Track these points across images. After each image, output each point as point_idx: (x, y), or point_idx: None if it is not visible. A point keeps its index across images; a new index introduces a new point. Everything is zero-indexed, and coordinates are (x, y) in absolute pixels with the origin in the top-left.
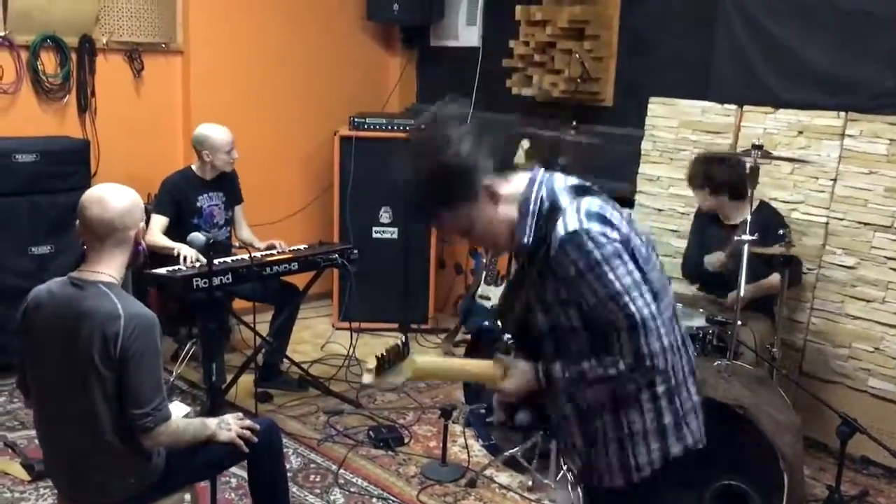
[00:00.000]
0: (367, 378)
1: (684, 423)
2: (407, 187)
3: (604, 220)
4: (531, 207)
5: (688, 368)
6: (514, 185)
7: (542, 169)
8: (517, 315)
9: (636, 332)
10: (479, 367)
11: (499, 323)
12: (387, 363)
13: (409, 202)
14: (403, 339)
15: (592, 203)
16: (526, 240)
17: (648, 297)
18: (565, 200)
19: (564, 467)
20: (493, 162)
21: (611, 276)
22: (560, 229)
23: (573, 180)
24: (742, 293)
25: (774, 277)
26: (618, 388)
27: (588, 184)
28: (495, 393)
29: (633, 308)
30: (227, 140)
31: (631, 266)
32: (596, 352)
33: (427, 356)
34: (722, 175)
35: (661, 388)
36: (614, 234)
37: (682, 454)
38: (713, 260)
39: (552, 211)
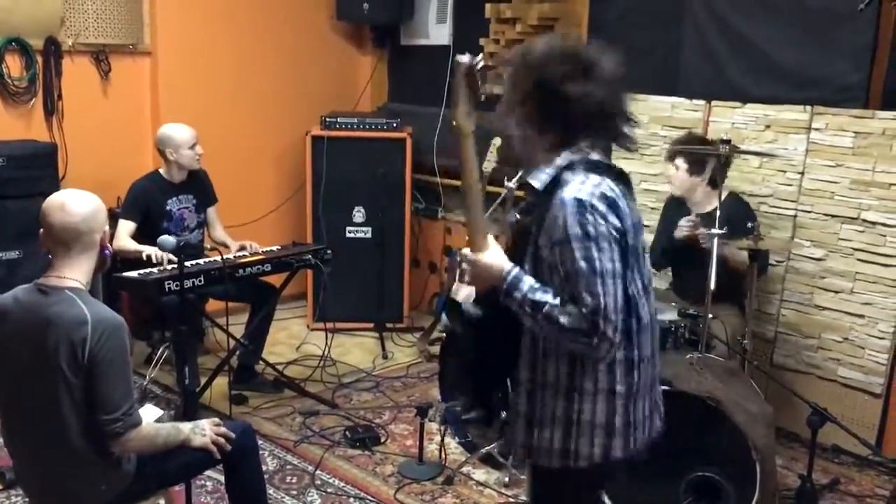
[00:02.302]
0: (466, 58)
1: (632, 431)
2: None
3: (612, 205)
4: (558, 163)
5: (649, 378)
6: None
7: (590, 142)
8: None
9: (597, 314)
10: (482, 219)
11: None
12: (475, 84)
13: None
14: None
15: (612, 186)
16: (539, 184)
17: (619, 290)
18: (588, 172)
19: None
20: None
21: (594, 253)
22: (569, 191)
23: (606, 159)
24: (713, 283)
25: (742, 252)
26: (559, 337)
27: (622, 170)
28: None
29: (601, 292)
30: (190, 135)
31: (616, 255)
32: (563, 296)
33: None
34: (705, 156)
35: (620, 388)
36: (615, 222)
37: (622, 459)
38: (684, 223)
39: (571, 173)
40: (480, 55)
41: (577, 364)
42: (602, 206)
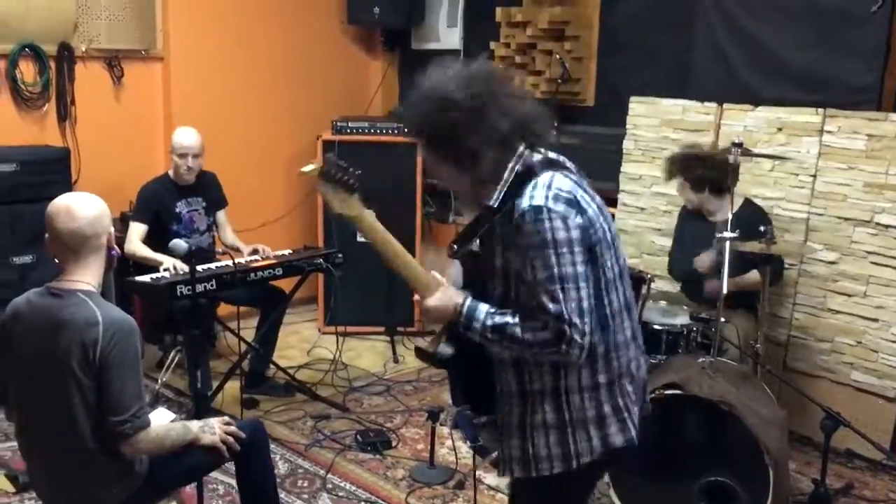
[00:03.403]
0: (309, 168)
1: (627, 413)
2: (415, 112)
3: (570, 203)
4: (504, 176)
5: (633, 362)
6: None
7: (527, 148)
8: (469, 264)
9: (560, 321)
10: (418, 270)
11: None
12: (334, 179)
13: (407, 120)
14: (349, 169)
15: (564, 183)
16: (492, 203)
17: (584, 293)
18: (538, 173)
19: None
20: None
21: (553, 260)
22: (525, 200)
23: (552, 155)
24: (724, 289)
25: (753, 274)
26: (528, 353)
27: (564, 160)
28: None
29: (561, 298)
30: (185, 144)
31: (579, 258)
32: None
33: (376, 223)
34: (702, 171)
35: (602, 379)
36: (577, 220)
37: (623, 446)
38: (703, 262)
39: (523, 181)
40: (319, 158)
41: (560, 367)
42: (560, 207)
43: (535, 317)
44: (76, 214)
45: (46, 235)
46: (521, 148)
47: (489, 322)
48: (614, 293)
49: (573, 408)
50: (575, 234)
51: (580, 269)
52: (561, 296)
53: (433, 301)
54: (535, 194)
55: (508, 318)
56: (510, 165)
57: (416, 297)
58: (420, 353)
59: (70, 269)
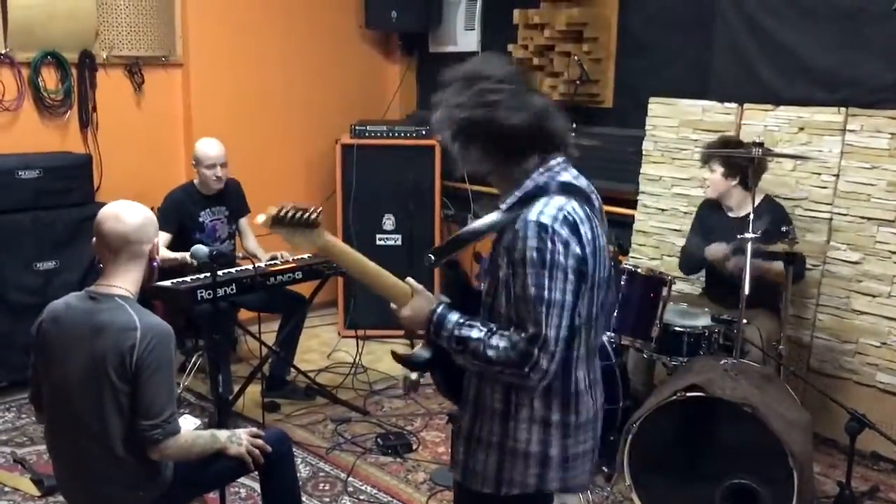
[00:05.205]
0: (261, 219)
1: (571, 464)
2: (452, 111)
3: (574, 229)
4: (525, 183)
5: (592, 413)
6: (530, 163)
7: (562, 159)
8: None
9: (535, 343)
10: (392, 281)
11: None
12: (291, 220)
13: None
14: (312, 208)
15: (576, 209)
16: (503, 205)
17: (565, 322)
18: (553, 194)
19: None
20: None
21: (546, 282)
22: (533, 213)
23: (576, 181)
24: (747, 288)
25: (777, 264)
26: (488, 371)
27: (585, 188)
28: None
29: (544, 322)
30: (212, 155)
31: (570, 287)
32: (491, 327)
33: (337, 242)
34: (741, 159)
35: (555, 417)
36: (576, 249)
37: (560, 491)
38: (715, 250)
39: (535, 196)
40: (270, 210)
41: (513, 392)
42: (564, 231)
43: (509, 332)
44: (123, 219)
45: (94, 238)
46: (554, 160)
47: (456, 332)
48: (584, 334)
49: (519, 439)
50: (571, 262)
51: (568, 297)
52: (544, 320)
53: (406, 310)
54: (545, 211)
55: (473, 333)
56: (535, 174)
57: (392, 305)
58: (395, 356)
59: (109, 273)
